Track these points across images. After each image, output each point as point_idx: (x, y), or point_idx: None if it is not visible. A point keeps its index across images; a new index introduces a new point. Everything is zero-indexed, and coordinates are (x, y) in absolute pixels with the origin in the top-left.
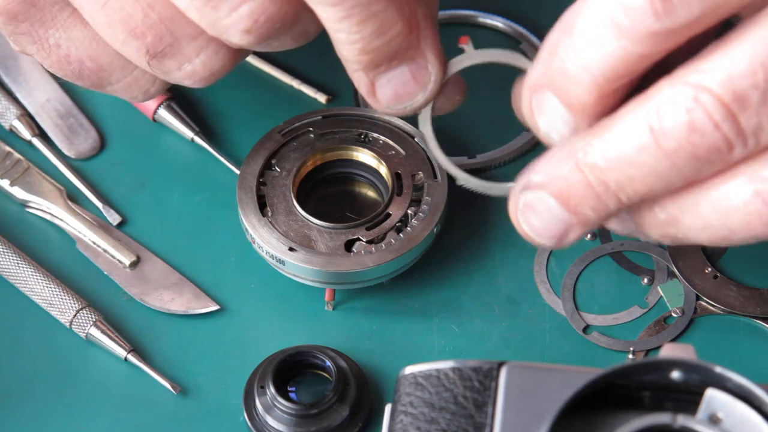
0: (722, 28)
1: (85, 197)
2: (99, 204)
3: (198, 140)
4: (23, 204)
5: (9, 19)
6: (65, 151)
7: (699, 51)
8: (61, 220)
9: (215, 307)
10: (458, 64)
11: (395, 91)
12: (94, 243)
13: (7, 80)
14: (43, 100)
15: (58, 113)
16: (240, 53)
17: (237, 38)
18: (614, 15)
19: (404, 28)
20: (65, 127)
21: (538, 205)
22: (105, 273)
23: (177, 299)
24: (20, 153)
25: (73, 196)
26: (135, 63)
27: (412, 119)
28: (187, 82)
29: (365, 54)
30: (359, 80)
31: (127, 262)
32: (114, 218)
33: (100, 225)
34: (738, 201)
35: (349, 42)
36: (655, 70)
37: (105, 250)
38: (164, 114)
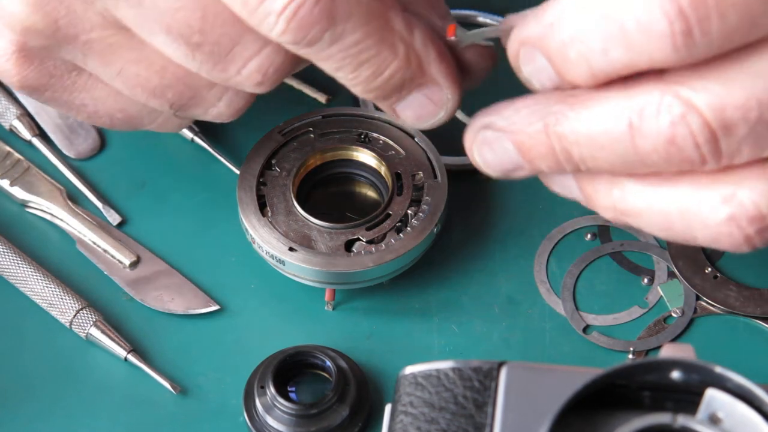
0: None
1: (85, 197)
2: (99, 204)
3: (198, 140)
4: (23, 204)
5: (31, 91)
6: (65, 151)
7: None
8: (61, 220)
9: (215, 307)
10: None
11: (416, 113)
12: (94, 243)
13: None
14: None
15: (59, 113)
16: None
17: (251, 89)
18: (627, 27)
19: (402, 63)
20: (65, 127)
21: (496, 144)
22: (105, 273)
23: (177, 299)
24: (20, 153)
25: (73, 196)
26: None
27: None
28: (217, 121)
29: (370, 92)
30: (381, 106)
31: (127, 262)
32: (114, 218)
33: (100, 225)
34: (712, 219)
35: (350, 84)
36: None
37: (105, 250)
38: None
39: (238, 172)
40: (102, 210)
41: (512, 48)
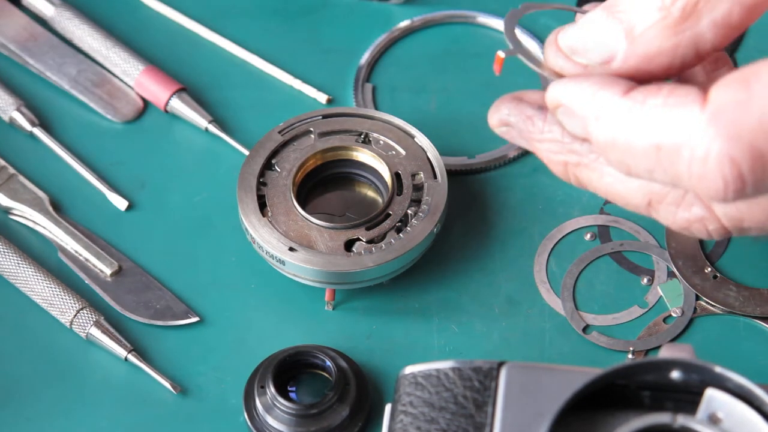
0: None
1: (86, 189)
2: (104, 190)
3: (212, 128)
4: (6, 211)
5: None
6: (111, 117)
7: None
8: (44, 228)
9: (195, 319)
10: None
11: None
12: (76, 252)
13: (32, 61)
14: (75, 72)
15: (93, 82)
16: None
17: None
18: (679, 170)
19: None
20: (104, 94)
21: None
22: (86, 282)
23: (156, 310)
24: (20, 146)
25: (57, 204)
26: None
27: (412, 120)
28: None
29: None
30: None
31: (108, 272)
32: (121, 203)
33: (83, 233)
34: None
35: None
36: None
37: (86, 260)
38: (177, 104)
39: (247, 153)
40: (107, 196)
41: (551, 101)
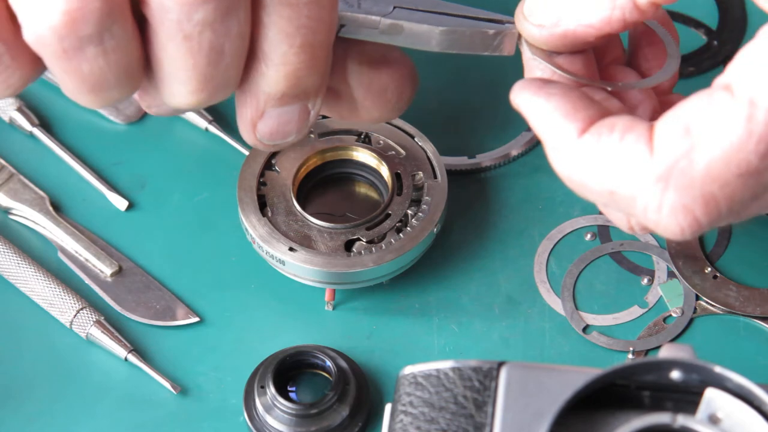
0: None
1: (85, 190)
2: (104, 190)
3: (212, 128)
4: (6, 211)
5: None
6: (113, 119)
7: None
8: (44, 228)
9: (195, 319)
10: None
11: (277, 127)
12: (76, 252)
13: None
14: None
15: None
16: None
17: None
18: (636, 212)
19: (327, 70)
20: None
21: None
22: (86, 282)
23: (156, 310)
24: (20, 146)
25: (57, 204)
26: None
27: (413, 120)
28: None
29: (287, 81)
30: (250, 105)
31: (109, 272)
32: (121, 203)
33: (83, 234)
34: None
35: (281, 62)
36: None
37: (86, 260)
38: None
39: (246, 153)
40: (107, 196)
41: (513, 103)
